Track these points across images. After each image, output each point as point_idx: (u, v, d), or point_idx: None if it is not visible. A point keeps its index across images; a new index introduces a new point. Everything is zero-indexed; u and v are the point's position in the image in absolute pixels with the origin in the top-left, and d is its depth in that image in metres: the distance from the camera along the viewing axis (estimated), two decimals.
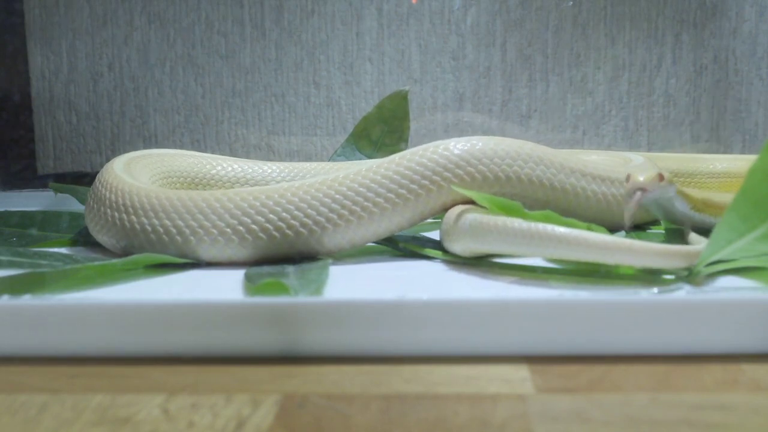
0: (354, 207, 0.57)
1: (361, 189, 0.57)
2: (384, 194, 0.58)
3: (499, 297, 0.42)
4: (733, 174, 0.87)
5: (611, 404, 0.35)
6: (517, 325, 0.40)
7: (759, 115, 1.05)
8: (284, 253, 0.56)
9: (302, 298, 0.44)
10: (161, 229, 0.57)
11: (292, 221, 0.56)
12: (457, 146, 0.59)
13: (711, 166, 0.89)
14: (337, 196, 0.57)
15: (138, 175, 0.66)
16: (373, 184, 0.58)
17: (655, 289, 0.47)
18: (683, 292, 0.48)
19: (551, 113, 1.06)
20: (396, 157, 0.59)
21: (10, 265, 0.56)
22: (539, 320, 0.40)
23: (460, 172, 0.59)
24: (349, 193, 0.57)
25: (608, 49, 1.05)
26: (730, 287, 0.49)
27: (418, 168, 0.58)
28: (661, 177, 0.54)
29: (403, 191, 0.58)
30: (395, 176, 0.58)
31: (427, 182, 0.58)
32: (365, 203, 0.57)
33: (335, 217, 0.56)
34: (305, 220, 0.56)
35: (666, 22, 1.05)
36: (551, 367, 0.39)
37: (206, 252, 0.56)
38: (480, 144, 0.60)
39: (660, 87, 1.06)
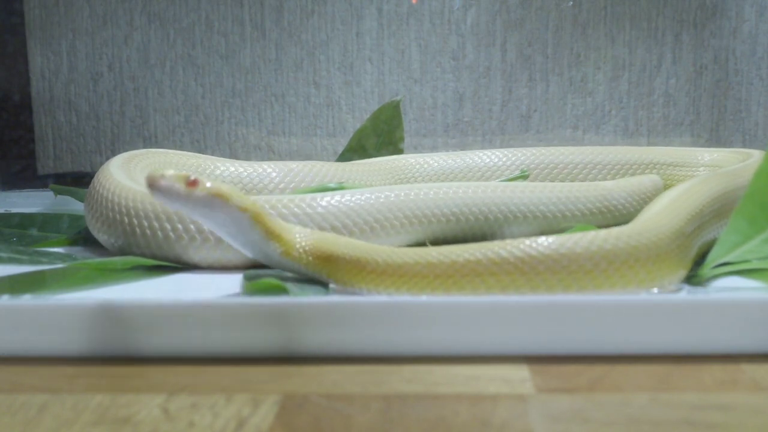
0: (353, 227, 0.58)
1: (363, 210, 0.59)
2: (384, 218, 0.60)
3: (498, 297, 0.42)
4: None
5: (611, 404, 0.35)
6: (517, 325, 0.40)
7: (759, 115, 1.05)
8: None
9: (302, 298, 0.44)
10: (157, 232, 0.57)
11: None
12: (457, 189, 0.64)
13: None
14: (340, 214, 0.58)
15: (135, 175, 0.66)
16: (374, 205, 0.60)
17: (655, 289, 0.47)
18: (683, 292, 0.48)
19: (551, 113, 1.06)
20: (394, 190, 0.62)
21: (11, 261, 0.57)
22: (539, 320, 0.40)
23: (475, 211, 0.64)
24: (351, 213, 0.59)
25: (608, 49, 1.05)
26: (730, 287, 0.49)
27: (410, 202, 0.61)
28: (189, 182, 0.45)
29: (399, 216, 0.60)
30: (394, 204, 0.60)
31: (416, 215, 0.61)
32: (362, 224, 0.59)
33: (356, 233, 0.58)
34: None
35: (666, 22, 1.05)
36: (551, 367, 0.39)
37: (204, 255, 0.56)
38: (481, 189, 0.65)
39: (660, 87, 1.06)
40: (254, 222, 0.48)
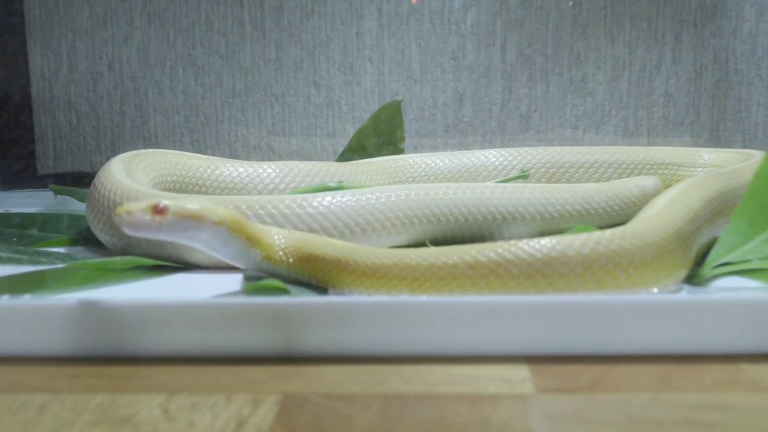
0: (344, 228, 0.58)
1: (344, 213, 0.59)
2: (365, 221, 0.59)
3: (499, 297, 0.42)
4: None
5: (611, 404, 0.35)
6: (517, 325, 0.40)
7: (759, 115, 1.05)
8: None
9: (302, 298, 0.44)
10: None
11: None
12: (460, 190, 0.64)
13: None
14: (339, 213, 0.58)
15: (137, 175, 0.66)
16: (370, 206, 0.60)
17: (655, 289, 0.47)
18: (683, 292, 0.48)
19: (551, 113, 1.06)
20: (381, 191, 0.61)
21: (10, 261, 0.57)
22: (539, 320, 0.40)
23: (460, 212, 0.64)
24: (332, 216, 0.58)
25: (608, 49, 1.05)
26: (730, 287, 0.49)
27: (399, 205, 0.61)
28: (157, 210, 0.44)
29: (393, 217, 0.60)
30: (380, 205, 0.60)
31: (409, 215, 0.61)
32: (342, 227, 0.58)
33: (336, 234, 0.58)
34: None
35: (666, 22, 1.05)
36: (551, 367, 0.39)
37: (204, 255, 0.56)
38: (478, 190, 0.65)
39: (660, 87, 1.06)
40: (233, 232, 0.47)
